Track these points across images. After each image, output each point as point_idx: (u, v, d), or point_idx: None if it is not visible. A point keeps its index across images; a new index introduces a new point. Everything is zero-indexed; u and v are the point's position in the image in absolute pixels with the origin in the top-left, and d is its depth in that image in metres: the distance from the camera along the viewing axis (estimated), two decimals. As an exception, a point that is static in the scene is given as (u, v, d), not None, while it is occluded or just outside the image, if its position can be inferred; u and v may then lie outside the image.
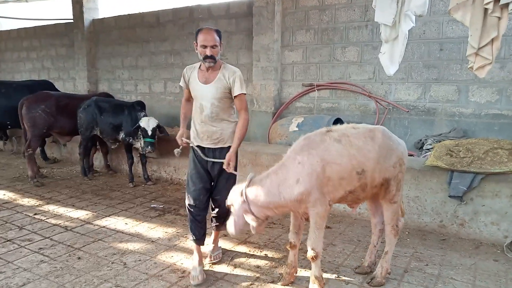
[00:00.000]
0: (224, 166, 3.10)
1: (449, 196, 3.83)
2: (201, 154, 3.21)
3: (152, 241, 3.90)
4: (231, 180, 3.22)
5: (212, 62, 3.05)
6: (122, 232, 4.13)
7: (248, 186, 2.70)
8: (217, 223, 3.45)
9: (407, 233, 4.04)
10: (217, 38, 3.06)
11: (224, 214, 3.31)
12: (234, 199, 2.75)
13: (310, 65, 5.79)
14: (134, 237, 4.00)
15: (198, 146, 3.23)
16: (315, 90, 5.69)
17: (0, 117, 6.61)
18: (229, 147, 3.15)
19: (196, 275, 3.09)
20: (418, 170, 4.09)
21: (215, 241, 3.55)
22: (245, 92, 3.16)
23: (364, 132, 2.76)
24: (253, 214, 2.69)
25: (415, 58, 5.03)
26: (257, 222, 2.72)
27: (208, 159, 3.21)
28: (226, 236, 4.01)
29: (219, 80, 3.11)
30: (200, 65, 3.18)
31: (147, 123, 5.46)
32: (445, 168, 3.88)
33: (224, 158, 3.12)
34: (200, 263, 3.23)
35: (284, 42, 5.95)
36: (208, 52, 2.99)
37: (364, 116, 5.42)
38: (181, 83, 3.33)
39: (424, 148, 4.73)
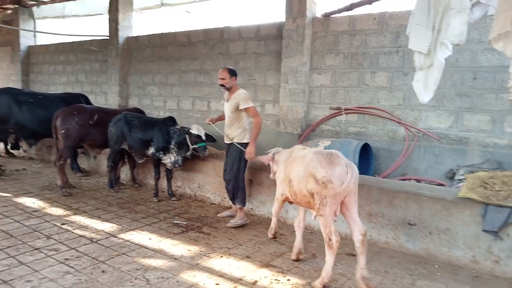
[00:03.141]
0: (246, 156, 4.68)
1: (483, 231, 3.68)
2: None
3: (175, 258, 3.90)
4: (234, 166, 4.78)
5: (222, 87, 4.82)
6: (146, 247, 4.15)
7: (276, 154, 4.10)
8: (230, 197, 4.95)
9: (436, 266, 3.89)
10: (226, 74, 4.70)
11: (232, 190, 4.86)
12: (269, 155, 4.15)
13: (338, 88, 5.78)
14: (157, 253, 4.01)
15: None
16: (342, 114, 5.66)
17: (37, 127, 6.86)
18: (238, 142, 4.76)
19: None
20: (449, 201, 3.96)
21: (234, 211, 5.04)
22: (249, 106, 4.64)
23: (305, 152, 3.56)
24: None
25: (447, 85, 4.94)
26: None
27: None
28: (249, 257, 3.97)
29: (233, 99, 4.71)
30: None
31: (198, 129, 5.66)
32: (479, 201, 3.74)
33: (233, 150, 4.73)
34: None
35: (312, 65, 5.99)
36: (219, 82, 4.78)
37: (392, 143, 5.33)
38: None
39: (455, 178, 4.58)
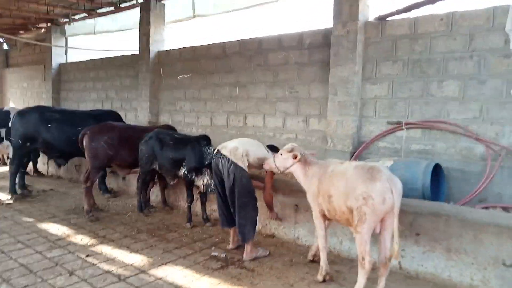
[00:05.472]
0: None
1: None
2: None
3: (217, 305, 3.24)
4: None
5: None
6: (181, 288, 3.52)
7: (304, 154, 3.80)
8: None
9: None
10: None
11: None
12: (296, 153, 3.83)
13: (397, 100, 5.05)
14: (195, 297, 3.37)
15: None
16: (403, 129, 4.91)
17: (66, 146, 6.46)
18: None
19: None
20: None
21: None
22: None
23: (345, 166, 3.39)
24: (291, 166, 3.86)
25: (538, 94, 4.14)
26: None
27: None
28: None
29: None
30: None
31: None
32: None
33: None
34: None
35: (365, 75, 5.30)
36: None
37: (467, 162, 4.52)
38: None
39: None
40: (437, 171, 4.46)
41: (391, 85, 5.08)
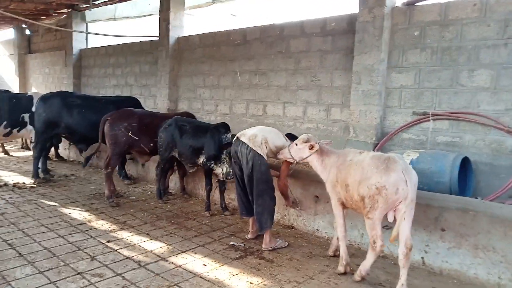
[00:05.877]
0: None
1: None
2: None
3: (237, 295, 3.22)
4: None
5: None
6: (201, 277, 3.52)
7: (320, 144, 3.77)
8: None
9: None
10: None
11: None
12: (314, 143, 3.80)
13: (423, 90, 4.86)
14: (214, 286, 3.36)
15: None
16: (429, 120, 4.73)
17: (88, 131, 6.52)
18: None
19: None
20: None
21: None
22: None
23: (362, 157, 3.40)
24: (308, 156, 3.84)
25: None
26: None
27: None
28: None
29: None
30: None
31: None
32: None
33: None
34: None
35: (391, 63, 5.10)
36: None
37: (497, 156, 4.32)
38: None
39: None
40: (464, 164, 4.29)
41: (418, 74, 4.88)
